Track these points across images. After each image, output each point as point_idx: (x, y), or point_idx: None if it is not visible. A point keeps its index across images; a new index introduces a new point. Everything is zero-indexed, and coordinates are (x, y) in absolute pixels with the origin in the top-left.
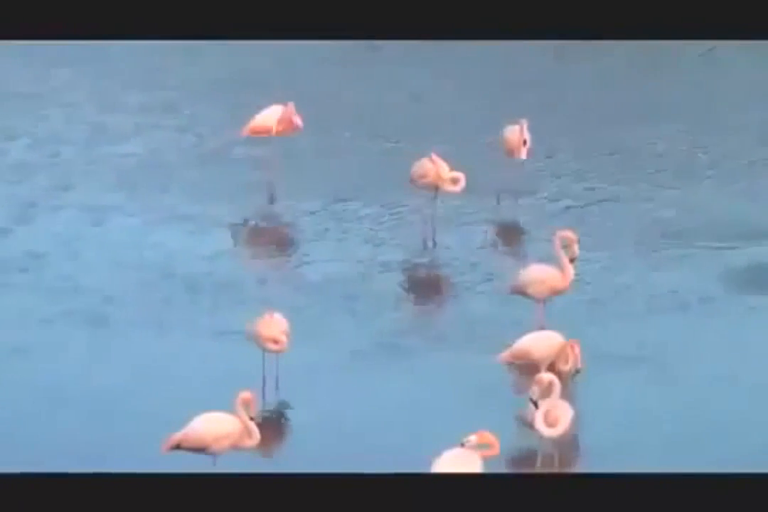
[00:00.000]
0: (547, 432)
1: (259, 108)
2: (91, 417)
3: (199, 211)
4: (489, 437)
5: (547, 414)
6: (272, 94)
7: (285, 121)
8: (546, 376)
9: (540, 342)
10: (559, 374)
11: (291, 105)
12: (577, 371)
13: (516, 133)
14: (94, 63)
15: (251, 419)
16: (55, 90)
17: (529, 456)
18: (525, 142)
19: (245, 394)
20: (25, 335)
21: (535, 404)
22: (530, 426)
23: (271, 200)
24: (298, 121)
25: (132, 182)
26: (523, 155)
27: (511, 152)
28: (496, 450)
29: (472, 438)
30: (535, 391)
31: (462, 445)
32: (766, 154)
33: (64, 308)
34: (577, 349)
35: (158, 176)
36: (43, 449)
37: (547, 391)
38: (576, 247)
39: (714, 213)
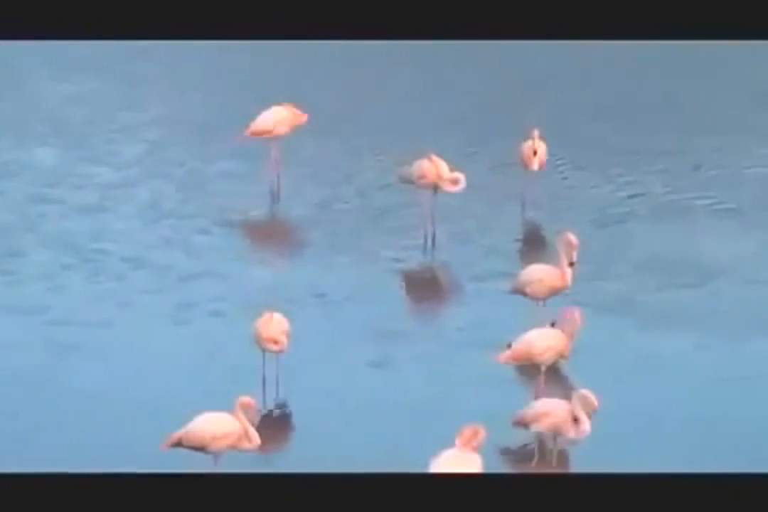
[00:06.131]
0: (576, 434)
1: (261, 109)
2: (91, 416)
3: (201, 210)
4: (470, 430)
5: (575, 418)
6: (273, 94)
7: (289, 122)
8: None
9: (540, 340)
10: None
11: (291, 106)
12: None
13: (529, 145)
14: (98, 63)
15: (251, 423)
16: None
17: (528, 455)
18: (535, 153)
19: (245, 399)
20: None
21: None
22: (528, 425)
23: (274, 199)
24: (302, 119)
25: (132, 181)
26: (534, 166)
27: (525, 164)
28: (481, 436)
29: (458, 444)
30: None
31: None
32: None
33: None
34: (577, 315)
35: (160, 175)
36: (42, 449)
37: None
38: (575, 253)
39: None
